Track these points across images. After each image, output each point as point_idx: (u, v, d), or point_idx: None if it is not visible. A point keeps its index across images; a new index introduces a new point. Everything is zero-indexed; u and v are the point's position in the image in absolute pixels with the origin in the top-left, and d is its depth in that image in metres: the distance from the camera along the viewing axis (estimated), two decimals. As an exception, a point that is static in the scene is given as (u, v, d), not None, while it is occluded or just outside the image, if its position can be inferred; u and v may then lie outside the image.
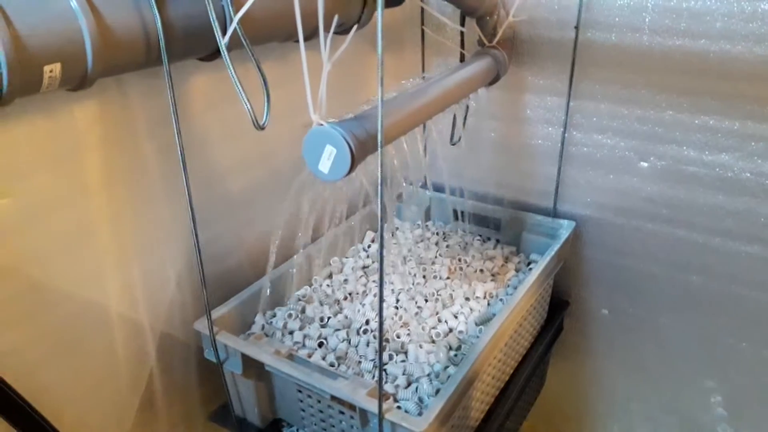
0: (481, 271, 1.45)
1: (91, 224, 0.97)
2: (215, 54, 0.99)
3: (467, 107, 1.47)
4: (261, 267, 1.25)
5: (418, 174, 1.42)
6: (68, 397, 1.01)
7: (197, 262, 0.99)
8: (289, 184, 1.08)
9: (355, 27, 1.07)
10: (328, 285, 1.40)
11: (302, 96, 0.77)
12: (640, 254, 1.47)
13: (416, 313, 1.29)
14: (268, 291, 1.25)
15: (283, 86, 1.03)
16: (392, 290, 1.37)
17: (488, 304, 1.33)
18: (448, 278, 1.43)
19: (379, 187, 0.76)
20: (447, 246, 1.56)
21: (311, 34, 0.82)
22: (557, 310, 1.58)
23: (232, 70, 0.85)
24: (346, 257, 1.52)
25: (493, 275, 1.44)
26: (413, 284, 1.39)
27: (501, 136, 1.56)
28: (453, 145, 1.55)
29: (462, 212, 1.60)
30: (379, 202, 0.77)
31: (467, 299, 1.34)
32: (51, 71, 0.76)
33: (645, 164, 1.37)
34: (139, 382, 1.14)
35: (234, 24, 0.84)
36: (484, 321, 1.26)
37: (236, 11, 0.84)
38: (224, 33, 0.86)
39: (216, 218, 1.20)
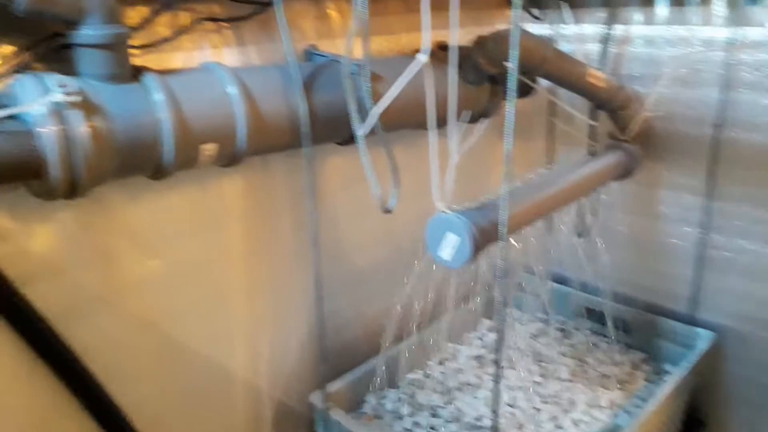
0: (607, 376, 1.35)
1: (227, 289, 1.05)
2: (351, 139, 1.05)
3: (597, 199, 1.43)
4: (377, 343, 1.26)
5: (541, 264, 1.39)
6: (185, 452, 1.06)
7: (318, 335, 1.02)
8: (410, 264, 1.10)
9: (487, 121, 1.11)
10: (441, 372, 1.37)
11: (428, 179, 0.79)
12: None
13: (533, 415, 1.23)
14: (382, 371, 1.25)
15: (410, 169, 1.07)
16: (508, 386, 1.31)
17: (614, 415, 1.23)
18: (569, 380, 1.35)
19: (500, 280, 0.75)
20: (569, 344, 1.48)
21: (442, 123, 0.85)
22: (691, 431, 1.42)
23: (367, 159, 0.90)
24: (461, 344, 1.49)
25: (619, 383, 1.34)
26: (531, 382, 1.33)
27: (632, 232, 1.49)
28: (580, 237, 1.50)
29: (587, 309, 1.52)
30: (498, 294, 0.76)
31: (590, 406, 1.25)
32: (208, 150, 0.85)
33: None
34: (252, 446, 1.18)
35: (372, 120, 0.88)
36: (608, 433, 1.17)
37: (374, 102, 0.90)
38: (361, 121, 0.92)
39: (338, 292, 1.25)
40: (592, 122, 1.38)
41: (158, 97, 0.78)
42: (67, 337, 0.86)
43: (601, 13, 1.37)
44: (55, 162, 0.70)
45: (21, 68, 0.77)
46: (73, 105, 0.71)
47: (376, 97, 0.93)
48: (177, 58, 0.92)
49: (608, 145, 1.34)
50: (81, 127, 0.71)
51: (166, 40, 0.89)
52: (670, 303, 1.45)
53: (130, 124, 0.76)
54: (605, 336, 1.52)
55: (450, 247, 0.82)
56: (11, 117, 0.70)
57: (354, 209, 1.22)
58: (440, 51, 1.29)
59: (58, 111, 0.70)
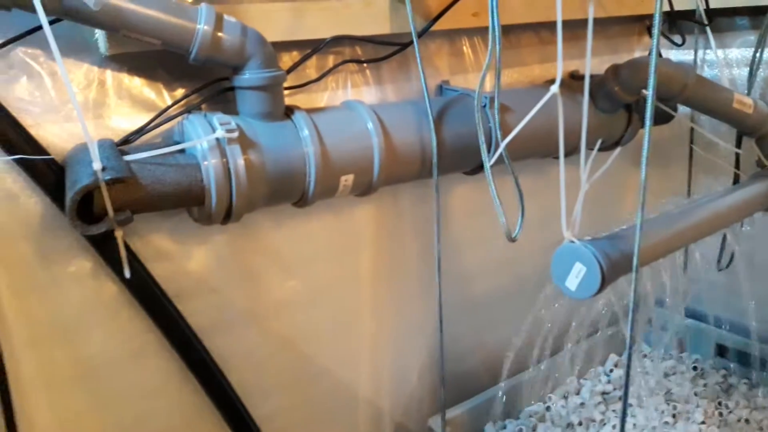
0: (747, 421, 1.25)
1: (356, 311, 1.10)
2: (478, 169, 1.07)
3: (740, 231, 1.33)
4: (496, 372, 1.26)
5: (675, 298, 1.32)
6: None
7: (439, 359, 1.04)
8: (532, 292, 1.09)
9: (618, 149, 1.08)
10: (562, 406, 1.34)
11: (555, 207, 0.79)
12: None
13: (662, 456, 1.17)
14: (502, 400, 1.24)
15: (537, 197, 1.06)
16: (634, 424, 1.25)
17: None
18: (703, 423, 1.26)
19: (631, 314, 0.73)
20: (704, 384, 1.39)
21: (572, 151, 0.85)
22: None
23: (494, 189, 0.91)
24: (585, 379, 1.44)
25: (761, 429, 1.24)
26: (660, 422, 1.26)
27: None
28: (720, 270, 1.41)
29: (725, 347, 1.42)
30: (628, 328, 0.74)
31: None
32: (346, 180, 0.91)
33: None
34: (372, 466, 1.22)
35: (501, 150, 0.89)
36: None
37: (503, 134, 0.91)
38: (489, 152, 0.93)
39: (460, 319, 1.26)
40: (736, 150, 1.29)
41: (305, 132, 0.85)
42: (212, 349, 0.95)
43: (749, 36, 1.29)
44: (215, 190, 0.78)
45: (190, 109, 0.87)
46: (232, 141, 0.79)
47: (505, 127, 0.94)
48: (322, 96, 0.99)
49: (754, 174, 1.25)
50: (238, 160, 0.78)
51: (313, 81, 0.96)
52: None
53: (281, 157, 0.83)
54: (745, 377, 1.41)
55: (577, 277, 0.81)
56: (181, 151, 0.80)
57: (478, 237, 1.23)
58: (573, 80, 1.29)
59: (219, 146, 0.78)
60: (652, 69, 0.68)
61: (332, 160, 0.87)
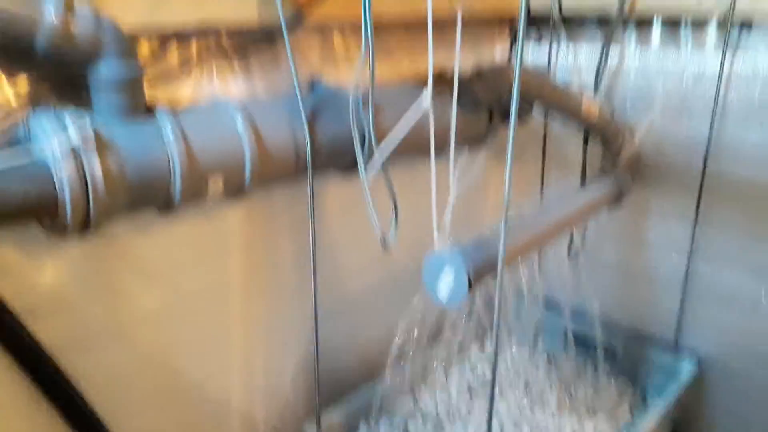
0: (594, 409, 1.38)
1: (226, 318, 1.05)
2: (351, 168, 1.07)
3: (586, 225, 1.46)
4: (371, 370, 1.27)
5: (531, 290, 1.41)
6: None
7: (314, 361, 1.03)
8: (405, 290, 1.11)
9: (481, 151, 1.13)
10: (432, 401, 1.38)
11: (424, 206, 0.81)
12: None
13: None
14: (376, 400, 1.26)
15: (407, 192, 1.07)
16: (497, 416, 1.33)
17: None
18: (557, 411, 1.37)
19: (497, 318, 0.77)
20: (558, 373, 1.50)
21: (440, 148, 0.87)
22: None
23: (368, 197, 0.91)
24: (452, 374, 1.50)
25: (605, 413, 1.37)
26: (519, 413, 1.35)
27: (620, 258, 1.53)
28: (570, 261, 1.53)
29: (575, 335, 1.54)
30: (494, 338, 0.78)
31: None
32: (215, 183, 0.86)
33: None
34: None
35: (379, 161, 0.88)
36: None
37: (377, 136, 0.92)
38: (363, 150, 0.93)
39: (333, 318, 1.25)
40: (584, 146, 1.41)
41: (168, 132, 0.79)
42: (70, 369, 0.86)
43: (597, 44, 1.39)
44: (69, 199, 0.70)
45: (36, 102, 0.77)
46: (88, 143, 0.71)
47: (379, 127, 0.95)
48: (185, 89, 0.93)
49: (600, 173, 1.38)
50: (95, 165, 0.71)
51: (176, 73, 0.90)
52: (657, 330, 1.49)
53: (142, 160, 0.77)
54: (594, 364, 1.54)
55: (447, 285, 0.84)
56: (26, 154, 0.71)
57: (352, 236, 1.23)
58: (438, 79, 1.32)
59: (73, 150, 0.70)
60: (517, 74, 0.71)
61: (199, 162, 0.82)
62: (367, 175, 0.92)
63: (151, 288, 0.95)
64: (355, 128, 0.93)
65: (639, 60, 1.36)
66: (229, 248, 1.03)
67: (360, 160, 0.91)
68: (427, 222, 0.83)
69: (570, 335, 1.54)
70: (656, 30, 1.33)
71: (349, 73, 1.12)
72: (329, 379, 1.27)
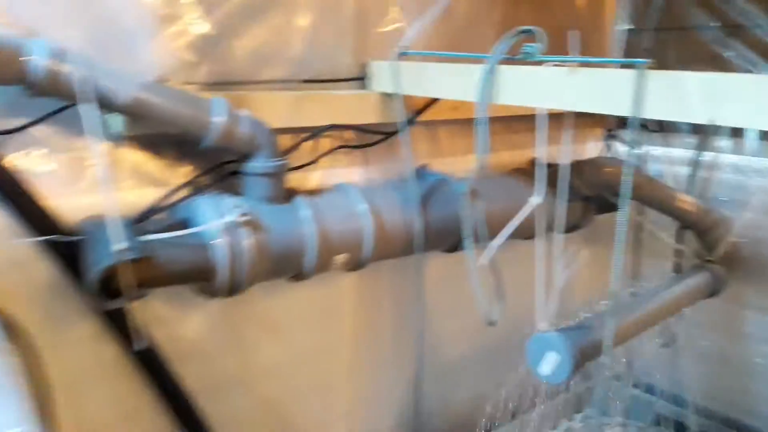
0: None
1: (336, 373, 1.17)
2: (455, 248, 1.16)
3: (682, 314, 1.47)
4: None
5: (625, 370, 1.43)
6: None
7: (410, 419, 1.12)
8: (498, 360, 1.17)
9: (582, 252, 1.20)
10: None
11: (522, 279, 0.87)
12: None
13: None
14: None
15: (505, 269, 1.14)
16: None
17: None
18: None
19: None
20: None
21: (533, 233, 0.95)
22: None
23: (476, 280, 0.99)
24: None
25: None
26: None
27: (715, 348, 1.51)
28: (665, 347, 1.54)
29: (667, 418, 1.53)
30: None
31: None
32: (341, 258, 0.98)
33: None
34: None
35: (491, 252, 0.96)
36: None
37: (480, 222, 1.01)
38: (469, 233, 1.02)
39: (428, 381, 1.33)
40: (678, 246, 1.43)
41: (306, 215, 0.93)
42: (205, 410, 1.00)
43: (691, 139, 1.45)
44: (224, 269, 0.84)
45: (196, 188, 0.94)
46: (242, 224, 0.86)
47: (484, 215, 1.05)
48: (314, 175, 1.08)
49: (695, 265, 1.40)
50: (247, 242, 0.86)
51: (309, 163, 1.06)
52: (755, 421, 1.45)
53: (283, 240, 0.91)
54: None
55: (550, 364, 0.91)
56: (191, 231, 0.86)
57: (449, 306, 1.32)
58: (534, 168, 1.41)
59: (229, 228, 0.85)
60: (627, 176, 0.79)
61: (329, 241, 0.95)
62: (476, 259, 1.00)
63: (274, 343, 1.08)
64: (465, 213, 1.03)
65: (734, 156, 1.39)
66: (341, 311, 1.16)
67: (468, 244, 1.00)
68: (524, 298, 0.91)
69: (662, 416, 1.53)
70: (750, 135, 1.36)
71: (453, 162, 1.24)
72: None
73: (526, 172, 1.28)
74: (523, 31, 0.85)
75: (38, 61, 0.73)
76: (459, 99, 0.98)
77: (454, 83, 0.97)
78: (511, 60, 0.87)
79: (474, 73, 0.90)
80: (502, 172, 1.34)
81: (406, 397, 1.28)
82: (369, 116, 1.11)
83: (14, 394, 0.60)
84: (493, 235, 1.18)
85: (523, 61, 0.85)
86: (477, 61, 0.90)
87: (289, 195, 0.96)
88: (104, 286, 0.75)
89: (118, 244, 0.75)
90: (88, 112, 0.74)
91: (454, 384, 1.41)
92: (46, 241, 0.82)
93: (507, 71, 0.88)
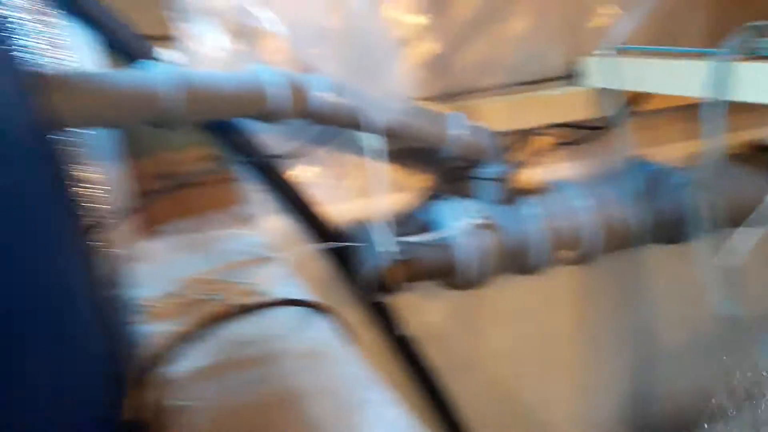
0: None
1: (556, 360, 1.25)
2: (680, 239, 1.16)
3: None
4: (685, 421, 1.33)
5: None
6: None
7: (630, 407, 1.16)
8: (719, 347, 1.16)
9: None
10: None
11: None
12: None
13: None
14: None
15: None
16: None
17: None
18: None
19: None
20: None
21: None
22: None
23: (708, 271, 0.99)
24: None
25: None
26: None
27: None
28: None
29: None
30: None
31: None
32: (565, 254, 1.05)
33: None
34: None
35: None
36: None
37: (710, 212, 1.01)
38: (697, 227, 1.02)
39: (649, 367, 1.35)
40: None
41: (534, 216, 1.01)
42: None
43: None
44: (468, 267, 0.96)
45: (433, 192, 1.07)
46: (481, 225, 0.97)
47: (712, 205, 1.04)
48: (534, 173, 1.16)
49: None
50: (486, 241, 0.97)
51: (528, 163, 1.14)
52: None
53: (514, 238, 1.00)
54: None
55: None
56: (436, 233, 0.99)
57: (671, 297, 1.32)
58: (759, 152, 1.33)
59: (470, 229, 0.97)
60: None
61: (556, 237, 1.03)
62: (707, 251, 1.00)
63: (500, 329, 1.19)
64: (694, 204, 1.03)
65: None
66: (561, 302, 1.22)
67: (698, 235, 1.01)
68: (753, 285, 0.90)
69: None
70: None
71: (669, 151, 1.23)
72: (641, 423, 1.37)
73: (745, 157, 1.23)
74: (754, 27, 0.83)
75: (323, 95, 0.87)
76: (689, 95, 0.98)
77: (682, 79, 0.97)
78: (743, 56, 0.86)
79: (702, 69, 0.90)
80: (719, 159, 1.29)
81: (627, 387, 1.32)
82: (580, 112, 1.15)
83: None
84: (721, 225, 1.16)
85: (757, 57, 0.83)
86: (696, 55, 0.90)
87: (514, 195, 1.05)
88: (376, 282, 0.92)
89: (387, 246, 0.91)
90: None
91: (676, 374, 1.41)
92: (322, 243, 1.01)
93: (741, 67, 0.86)
